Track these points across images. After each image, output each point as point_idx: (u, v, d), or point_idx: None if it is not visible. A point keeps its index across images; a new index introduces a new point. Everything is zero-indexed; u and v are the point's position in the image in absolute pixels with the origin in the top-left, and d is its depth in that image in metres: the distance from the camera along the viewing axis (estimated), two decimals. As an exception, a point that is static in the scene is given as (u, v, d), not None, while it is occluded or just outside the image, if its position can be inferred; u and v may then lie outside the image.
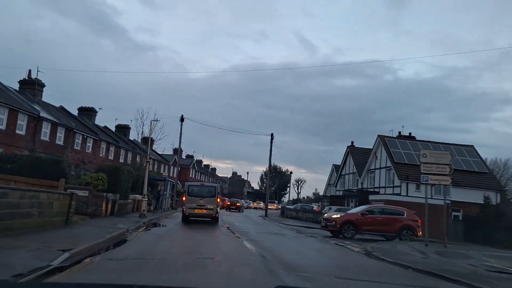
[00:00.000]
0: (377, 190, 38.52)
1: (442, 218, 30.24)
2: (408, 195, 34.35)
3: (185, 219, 20.33)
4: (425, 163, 15.34)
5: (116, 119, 48.70)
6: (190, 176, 75.80)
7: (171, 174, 57.49)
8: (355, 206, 38.37)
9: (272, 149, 43.48)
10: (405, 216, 19.78)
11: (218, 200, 21.19)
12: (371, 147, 45.52)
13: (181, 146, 43.15)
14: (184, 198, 20.56)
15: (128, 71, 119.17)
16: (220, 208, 22.26)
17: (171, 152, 61.86)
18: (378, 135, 39.13)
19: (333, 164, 63.12)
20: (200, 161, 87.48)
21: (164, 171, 55.93)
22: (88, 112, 40.05)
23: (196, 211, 19.97)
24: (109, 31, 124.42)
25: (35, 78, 31.45)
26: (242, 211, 49.03)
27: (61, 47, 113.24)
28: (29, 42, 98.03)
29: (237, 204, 49.98)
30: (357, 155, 44.89)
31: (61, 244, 8.62)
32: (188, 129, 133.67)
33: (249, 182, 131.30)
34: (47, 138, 28.46)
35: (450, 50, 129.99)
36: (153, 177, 32.00)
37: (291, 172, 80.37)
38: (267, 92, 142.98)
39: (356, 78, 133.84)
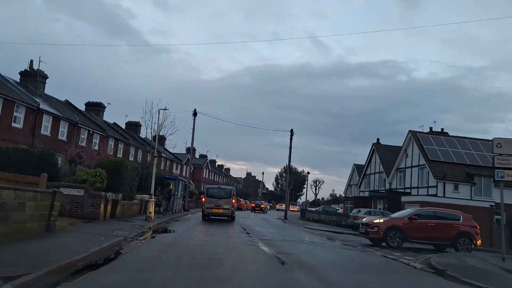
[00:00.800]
0: (408, 190, 35.06)
1: (486, 222, 26.82)
2: (445, 196, 30.89)
3: (204, 217, 22.86)
4: (500, 154, 12.07)
5: (126, 115, 46.27)
6: (204, 176, 73.11)
7: (183, 174, 54.84)
8: (384, 208, 35.03)
9: (289, 148, 40.44)
10: (461, 221, 16.49)
11: (234, 201, 23.64)
12: (398, 145, 42.29)
13: (194, 144, 40.36)
14: (203, 199, 23.33)
15: (143, 72, 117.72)
16: (236, 209, 24.86)
17: (183, 151, 59.34)
18: (410, 131, 35.65)
19: (354, 164, 59.97)
20: (213, 161, 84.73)
21: (176, 170, 53.32)
22: (96, 108, 37.58)
23: (214, 210, 22.46)
24: (123, 34, 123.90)
25: (37, 69, 29.07)
26: (266, 212, 52.06)
27: (75, 49, 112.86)
28: (44, 45, 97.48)
29: (261, 206, 55.00)
30: (384, 153, 41.45)
31: (11, 267, 5.75)
32: (201, 129, 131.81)
33: (263, 183, 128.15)
34: (48, 133, 25.97)
35: (464, 49, 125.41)
36: (163, 175, 29.32)
37: (308, 172, 76.86)
38: (280, 93, 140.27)
39: (370, 79, 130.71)
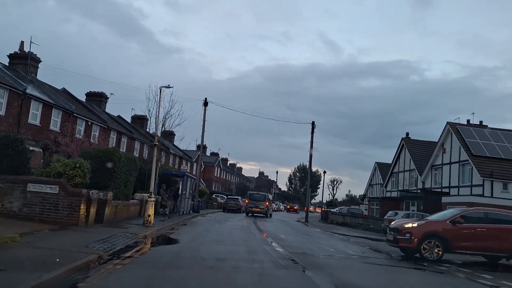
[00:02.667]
0: (445, 190, 30.87)
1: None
2: (493, 196, 26.72)
3: (247, 214, 31.87)
4: None
5: (132, 108, 42.77)
6: (215, 174, 69.52)
7: (193, 172, 51.32)
8: (418, 210, 30.98)
9: (310, 142, 36.59)
10: None
11: (267, 203, 33.35)
12: (431, 139, 38.19)
13: (204, 141, 36.76)
14: (247, 201, 33.53)
15: (153, 73, 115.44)
16: (271, 209, 35.06)
17: (194, 148, 55.83)
18: (448, 123, 31.46)
19: (376, 162, 55.91)
20: (225, 160, 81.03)
21: (185, 167, 49.75)
22: (97, 98, 34.24)
23: (253, 209, 31.91)
24: (136, 34, 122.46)
25: (28, 52, 25.76)
26: (298, 212, 55.57)
27: (88, 49, 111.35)
28: (57, 45, 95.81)
29: (295, 207, 63.15)
30: (415, 149, 37.27)
31: None
32: (212, 129, 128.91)
33: (276, 183, 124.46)
34: (37, 122, 22.58)
35: (478, 50, 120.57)
36: (169, 171, 25.77)
37: (324, 172, 72.39)
38: (291, 94, 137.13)
39: (381, 79, 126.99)
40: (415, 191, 34.93)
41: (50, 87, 27.15)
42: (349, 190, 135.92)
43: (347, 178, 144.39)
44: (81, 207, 11.27)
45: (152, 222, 14.15)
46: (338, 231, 24.24)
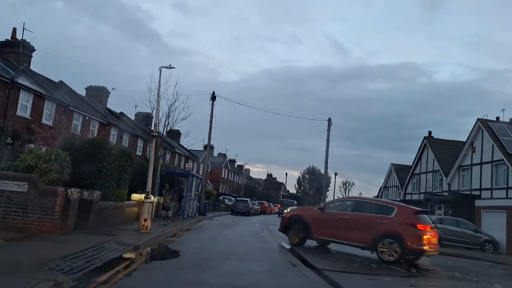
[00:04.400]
0: (476, 193, 28.06)
1: None
2: (533, 200, 23.92)
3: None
4: None
5: (136, 105, 40.48)
6: (222, 176, 67.12)
7: (200, 174, 48.93)
8: (445, 214, 28.32)
9: (326, 140, 34.11)
10: (393, 215, 10.95)
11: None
12: (455, 139, 35.42)
13: (212, 142, 34.45)
14: (279, 206, 45.22)
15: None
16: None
17: (200, 148, 53.47)
18: (478, 119, 28.65)
19: (391, 164, 53.14)
20: (233, 161, 78.49)
21: (189, 165, 47.32)
22: (98, 93, 32.04)
23: (284, 211, 28.89)
24: (143, 36, 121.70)
25: (21, 39, 23.62)
26: None
27: (96, 51, 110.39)
28: (65, 47, 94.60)
29: None
30: (439, 148, 34.46)
31: None
32: (219, 132, 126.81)
33: (284, 185, 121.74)
34: (27, 114, 20.33)
35: (487, 52, 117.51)
36: (172, 170, 23.41)
37: (335, 174, 69.62)
38: (299, 96, 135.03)
39: (390, 81, 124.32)
40: (440, 193, 32.20)
41: (45, 79, 24.97)
42: (360, 193, 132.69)
43: (355, 181, 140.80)
44: (56, 209, 8.90)
45: (148, 228, 11.75)
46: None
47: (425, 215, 12.03)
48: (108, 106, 33.56)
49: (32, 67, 24.24)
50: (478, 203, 24.72)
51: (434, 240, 10.78)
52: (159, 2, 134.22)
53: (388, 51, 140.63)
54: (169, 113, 22.21)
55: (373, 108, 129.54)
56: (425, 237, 10.35)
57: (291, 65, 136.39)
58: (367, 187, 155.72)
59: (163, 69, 13.07)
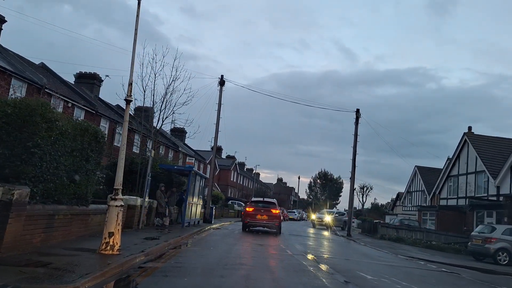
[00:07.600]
0: (535, 197, 23.20)
1: None
2: None
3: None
4: None
5: (135, 99, 36.34)
6: (231, 179, 62.51)
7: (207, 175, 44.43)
8: (498, 223, 23.53)
9: (354, 135, 29.56)
10: None
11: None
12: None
13: (220, 144, 29.86)
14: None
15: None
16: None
17: (208, 148, 49.11)
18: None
19: (416, 166, 48.90)
20: (242, 164, 73.92)
21: (192, 162, 42.82)
22: (88, 80, 27.97)
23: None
24: (151, 40, 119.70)
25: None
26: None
27: (103, 54, 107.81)
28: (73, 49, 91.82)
29: None
30: (483, 146, 29.63)
31: None
32: (227, 135, 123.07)
33: (294, 190, 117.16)
34: (-14, 95, 16.20)
35: (496, 58, 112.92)
36: (169, 165, 18.96)
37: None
38: (307, 101, 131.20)
39: (398, 87, 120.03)
40: (485, 197, 27.41)
41: (19, 57, 20.83)
42: (375, 199, 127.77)
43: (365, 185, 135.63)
44: None
45: (116, 248, 7.30)
46: (409, 252, 16.95)
47: None
48: (113, 105, 29.43)
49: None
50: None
51: None
52: (167, 7, 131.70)
53: (396, 56, 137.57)
54: (165, 98, 17.86)
55: (381, 114, 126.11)
56: None
57: (299, 70, 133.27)
58: (378, 193, 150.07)
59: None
